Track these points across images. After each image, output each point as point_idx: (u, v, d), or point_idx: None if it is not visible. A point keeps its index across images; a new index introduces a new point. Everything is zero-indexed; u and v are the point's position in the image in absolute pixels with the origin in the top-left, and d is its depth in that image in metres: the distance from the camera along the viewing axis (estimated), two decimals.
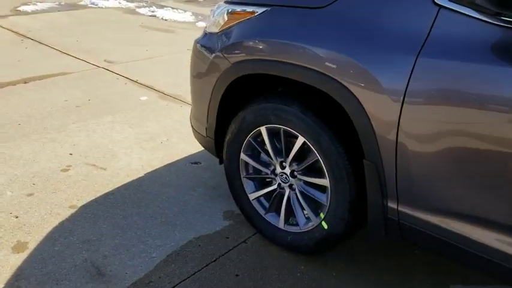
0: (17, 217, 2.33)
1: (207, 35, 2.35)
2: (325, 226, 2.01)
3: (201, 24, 6.82)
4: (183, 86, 4.16)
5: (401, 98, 1.58)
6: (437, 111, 1.52)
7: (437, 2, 1.54)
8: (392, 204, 1.76)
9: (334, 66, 1.73)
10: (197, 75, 2.37)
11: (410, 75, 1.56)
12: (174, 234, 2.28)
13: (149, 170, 2.84)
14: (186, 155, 3.04)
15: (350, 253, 2.19)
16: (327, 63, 1.75)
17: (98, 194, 2.56)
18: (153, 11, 7.32)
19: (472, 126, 1.47)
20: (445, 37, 1.52)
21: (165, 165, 2.90)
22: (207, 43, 2.30)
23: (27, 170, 2.75)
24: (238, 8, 2.12)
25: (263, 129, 2.10)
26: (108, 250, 2.14)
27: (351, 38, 1.72)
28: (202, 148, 2.88)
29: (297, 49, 1.84)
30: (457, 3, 1.51)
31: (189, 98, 3.63)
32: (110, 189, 2.62)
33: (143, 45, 5.54)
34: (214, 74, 2.19)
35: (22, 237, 2.19)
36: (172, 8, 7.80)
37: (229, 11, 2.17)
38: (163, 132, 3.34)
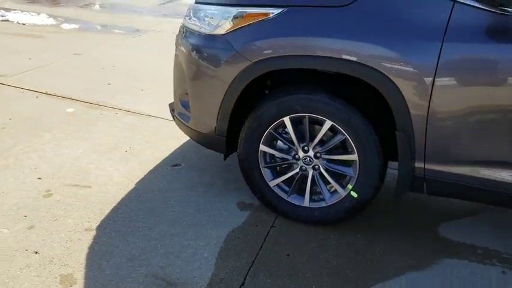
0: (37, 252, 2.11)
1: (204, 37, 2.41)
2: (355, 195, 2.32)
3: (67, 26, 6.34)
4: (101, 92, 4.00)
5: (432, 78, 1.97)
6: (461, 87, 1.96)
7: None
8: (419, 165, 2.16)
9: (370, 55, 2.03)
10: (203, 77, 2.43)
11: (439, 58, 1.96)
12: (209, 233, 2.34)
13: (136, 180, 2.77)
14: (160, 160, 3.02)
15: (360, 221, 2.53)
16: (362, 54, 2.05)
17: (106, 212, 2.44)
18: (2, 15, 6.52)
19: (484, 96, 1.93)
20: (461, 25, 1.95)
21: (148, 173, 2.85)
22: (211, 45, 2.37)
23: (5, 204, 2.44)
24: (250, 10, 2.26)
25: (286, 120, 2.30)
26: (161, 261, 2.12)
27: (384, 30, 2.04)
28: (171, 150, 2.95)
29: (331, 44, 2.09)
30: None
31: (118, 103, 3.58)
32: (113, 205, 2.50)
33: (21, 54, 5.00)
34: (230, 73, 2.29)
35: (62, 271, 2.01)
36: (22, 11, 7.04)
37: (238, 12, 2.28)
38: (119, 141, 3.21)
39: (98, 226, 2.33)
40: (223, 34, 2.32)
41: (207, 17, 2.46)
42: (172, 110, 2.84)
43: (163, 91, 4.17)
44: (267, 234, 2.38)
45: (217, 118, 2.44)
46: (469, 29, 1.94)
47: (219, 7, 2.39)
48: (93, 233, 2.27)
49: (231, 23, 2.30)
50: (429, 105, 2.02)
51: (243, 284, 2.03)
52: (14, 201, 2.47)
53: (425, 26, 1.98)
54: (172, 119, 2.90)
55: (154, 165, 2.95)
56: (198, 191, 2.71)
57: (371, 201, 2.36)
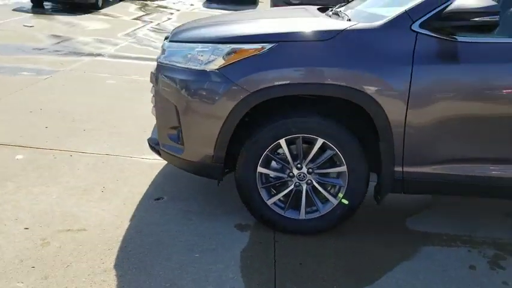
0: None
1: (195, 72, 2.58)
2: (346, 202, 2.65)
3: None
4: (43, 136, 3.87)
5: (407, 95, 2.40)
6: (430, 100, 2.41)
7: (413, 29, 2.42)
8: (398, 169, 2.56)
9: (356, 80, 2.40)
10: (198, 110, 2.58)
11: (411, 79, 2.39)
12: (224, 256, 2.48)
13: (127, 217, 2.78)
14: (140, 195, 3.04)
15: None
16: (350, 79, 2.41)
17: (115, 251, 2.43)
18: None
19: (447, 107, 2.41)
20: (424, 51, 2.41)
21: (135, 210, 2.87)
22: (204, 79, 2.55)
23: (3, 259, 2.30)
24: (244, 46, 2.50)
25: (282, 141, 2.56)
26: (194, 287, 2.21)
27: (364, 58, 2.42)
28: (146, 185, 3.09)
29: (323, 72, 2.42)
30: (424, 29, 2.41)
31: (67, 146, 3.53)
32: (119, 244, 2.50)
33: None
34: (229, 104, 2.49)
35: None
36: None
37: (231, 49, 2.50)
38: (90, 182, 3.16)
39: (115, 265, 2.32)
40: (218, 69, 2.52)
41: (193, 54, 2.63)
42: (155, 145, 2.91)
43: (106, 129, 4.14)
44: (274, 249, 2.58)
45: (215, 147, 2.60)
46: (430, 53, 2.41)
47: (207, 44, 2.59)
48: (114, 272, 2.27)
49: (225, 58, 2.51)
50: (406, 117, 2.44)
51: None
52: (12, 254, 2.33)
53: (398, 53, 2.41)
54: (153, 153, 2.98)
55: (138, 201, 2.97)
56: (192, 219, 2.81)
57: (358, 207, 2.70)
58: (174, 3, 15.54)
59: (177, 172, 3.25)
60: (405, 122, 2.45)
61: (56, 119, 4.29)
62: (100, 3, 12.64)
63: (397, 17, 2.46)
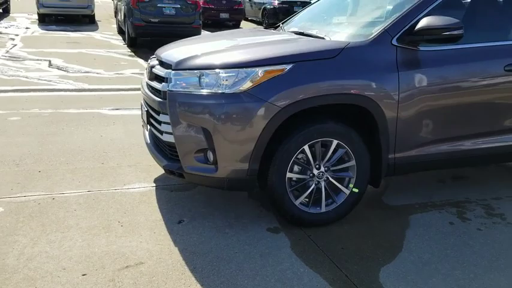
0: None
1: (224, 96, 2.81)
2: (356, 190, 3.16)
3: None
4: (5, 184, 3.55)
5: (398, 96, 3.03)
6: (413, 97, 3.08)
7: (393, 43, 3.06)
8: (391, 155, 3.18)
9: (362, 88, 2.94)
10: (233, 129, 2.80)
11: (399, 82, 3.02)
12: (281, 257, 2.77)
13: (169, 243, 2.84)
14: (160, 222, 3.09)
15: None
16: (358, 88, 2.93)
17: (188, 274, 2.54)
18: None
19: (423, 101, 3.11)
20: (403, 59, 3.06)
21: (170, 236, 2.94)
22: (236, 100, 2.80)
23: None
24: (268, 68, 2.82)
25: (306, 147, 2.96)
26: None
27: (364, 70, 2.96)
28: (157, 212, 3.23)
29: (336, 84, 2.89)
30: (400, 43, 3.06)
31: (37, 189, 3.51)
32: (187, 267, 2.59)
33: None
34: (263, 120, 2.79)
35: None
36: None
37: (257, 72, 2.80)
38: (102, 220, 3.07)
39: (203, 285, 2.44)
40: (246, 90, 2.80)
41: (212, 79, 2.86)
42: (177, 169, 3.01)
43: (61, 167, 3.94)
44: (315, 243, 2.95)
45: (250, 161, 2.86)
46: (406, 61, 3.07)
47: (230, 69, 2.84)
48: None
49: (252, 80, 2.80)
50: (397, 112, 3.05)
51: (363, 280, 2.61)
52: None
53: (387, 63, 3.02)
54: (173, 177, 3.07)
55: (163, 227, 3.03)
56: (228, 233, 3.00)
57: (364, 192, 3.23)
58: (5, 28, 14.12)
59: (171, 195, 3.44)
60: (397, 117, 3.06)
61: (6, 165, 3.91)
62: None
63: (380, 34, 3.06)
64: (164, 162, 3.12)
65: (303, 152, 2.96)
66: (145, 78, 3.50)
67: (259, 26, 18.46)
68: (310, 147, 2.97)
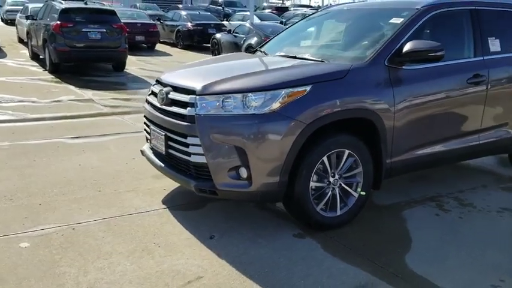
0: None
1: (255, 116, 3.08)
2: (363, 193, 3.58)
3: None
4: (6, 221, 3.47)
5: (393, 108, 3.53)
6: (405, 108, 3.59)
7: (386, 64, 3.56)
8: (388, 160, 3.66)
9: (368, 102, 3.38)
10: (267, 146, 3.08)
11: (394, 96, 3.53)
12: (318, 258, 3.08)
13: (215, 257, 3.01)
14: (194, 240, 3.23)
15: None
16: (365, 102, 3.37)
17: (257, 282, 2.74)
18: None
19: (411, 111, 3.65)
20: (395, 77, 3.58)
21: (211, 250, 3.10)
22: (267, 120, 3.09)
23: None
24: (292, 90, 3.15)
25: (325, 158, 3.32)
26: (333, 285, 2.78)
27: (368, 87, 3.41)
28: (181, 232, 3.37)
29: (349, 100, 3.30)
30: (390, 63, 3.57)
31: (49, 221, 3.47)
32: (245, 277, 2.79)
33: None
34: (292, 136, 3.11)
35: None
36: None
37: (284, 93, 3.12)
38: (136, 243, 3.14)
39: None
40: (275, 110, 3.10)
41: (240, 101, 3.13)
42: (209, 187, 3.19)
43: (61, 198, 3.90)
44: (340, 243, 3.29)
45: (281, 174, 3.15)
46: (396, 79, 3.58)
47: (259, 92, 3.13)
48: None
49: (280, 101, 3.11)
50: (393, 122, 3.54)
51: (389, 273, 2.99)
52: None
53: (383, 81, 3.50)
54: (200, 195, 3.28)
55: (199, 243, 3.18)
56: (260, 243, 3.24)
57: (369, 195, 3.66)
58: None
59: (188, 214, 3.64)
60: (393, 126, 3.54)
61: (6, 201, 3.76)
62: None
63: (375, 56, 3.54)
64: (193, 182, 3.28)
65: (322, 162, 3.31)
66: (153, 104, 3.64)
67: (175, 48, 18.68)
68: (327, 157, 3.33)
